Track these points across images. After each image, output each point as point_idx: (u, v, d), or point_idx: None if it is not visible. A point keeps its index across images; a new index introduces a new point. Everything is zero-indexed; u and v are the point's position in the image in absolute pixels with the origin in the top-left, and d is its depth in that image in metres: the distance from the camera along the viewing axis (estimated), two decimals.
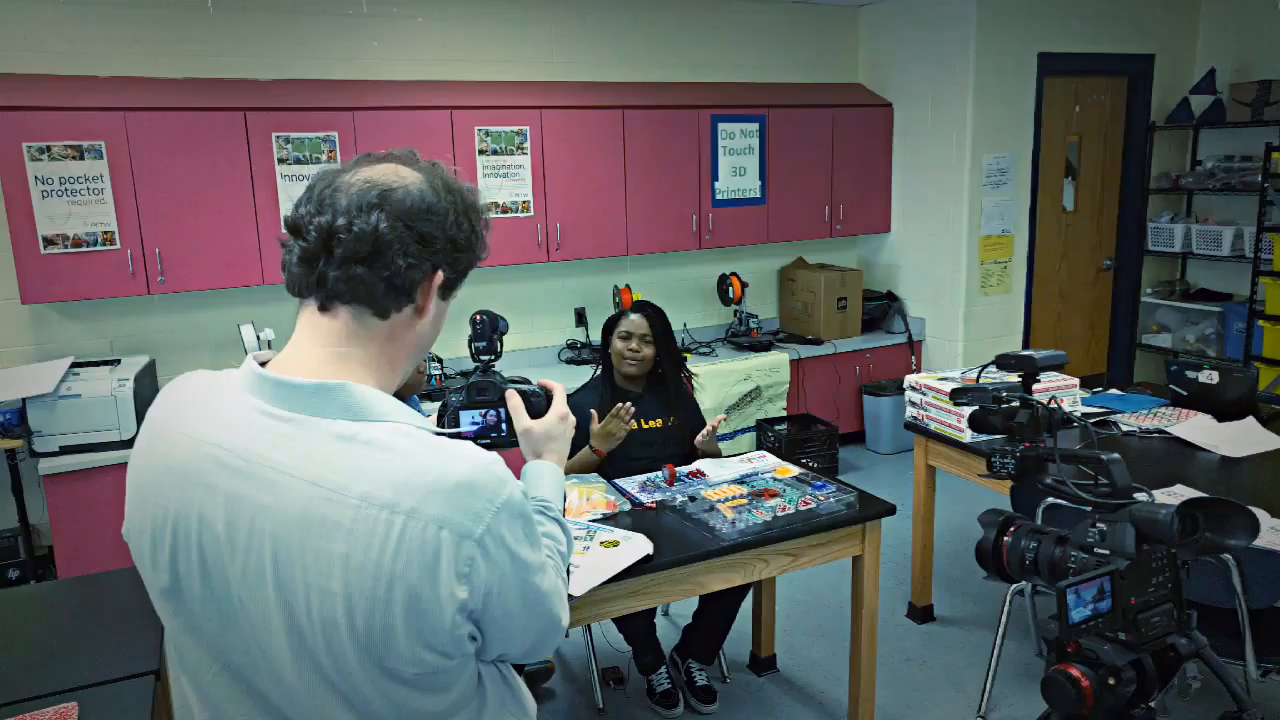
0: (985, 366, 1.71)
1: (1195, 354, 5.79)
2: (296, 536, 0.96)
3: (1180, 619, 1.28)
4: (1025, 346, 5.83)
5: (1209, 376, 3.46)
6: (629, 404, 3.03)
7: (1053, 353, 1.65)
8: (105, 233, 3.97)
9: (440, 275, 1.07)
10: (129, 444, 3.77)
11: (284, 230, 1.06)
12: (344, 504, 0.95)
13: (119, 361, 4.08)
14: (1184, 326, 6.09)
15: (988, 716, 3.09)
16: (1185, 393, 3.55)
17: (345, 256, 1.01)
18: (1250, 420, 3.29)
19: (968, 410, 1.50)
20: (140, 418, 3.85)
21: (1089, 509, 1.38)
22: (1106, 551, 1.27)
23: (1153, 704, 1.32)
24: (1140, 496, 1.32)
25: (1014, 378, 1.73)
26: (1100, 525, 1.28)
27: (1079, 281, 6.16)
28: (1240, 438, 3.16)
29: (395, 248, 1.01)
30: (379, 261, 1.01)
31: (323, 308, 1.04)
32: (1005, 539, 1.41)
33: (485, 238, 1.12)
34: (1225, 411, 3.39)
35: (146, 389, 4.03)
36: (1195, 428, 3.27)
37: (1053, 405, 1.44)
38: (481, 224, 1.11)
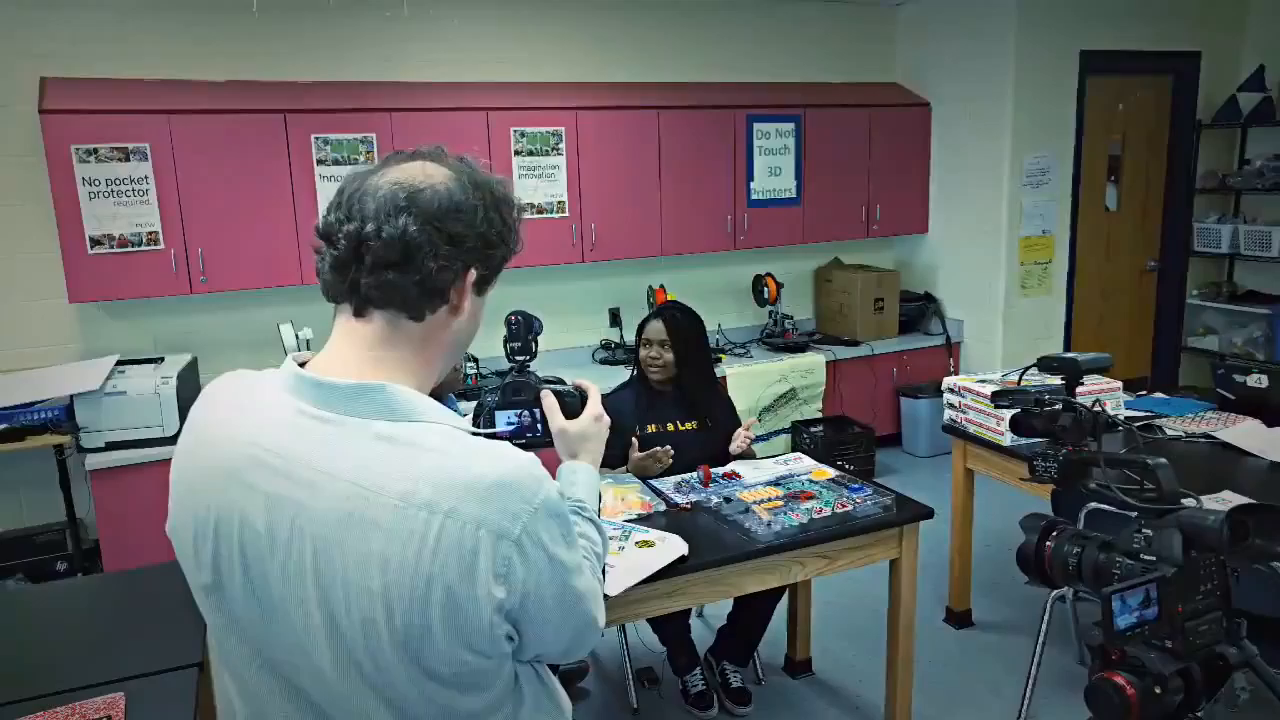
0: (1027, 369, 1.69)
1: (1243, 357, 5.66)
2: (336, 536, 0.97)
3: (1229, 628, 1.25)
4: (1066, 349, 5.74)
5: (1258, 380, 3.38)
6: (669, 449, 3.05)
7: (1097, 355, 1.62)
8: (150, 233, 4.05)
9: (473, 273, 1.07)
10: (172, 440, 3.84)
11: (316, 238, 1.06)
12: (383, 504, 0.96)
13: (163, 359, 4.16)
14: (1231, 329, 5.96)
15: None
16: (1233, 397, 3.47)
17: (376, 263, 1.01)
18: None
19: (1009, 413, 1.48)
20: (183, 415, 3.89)
21: (1134, 514, 1.35)
22: (1153, 558, 1.24)
23: (1200, 714, 1.29)
24: (1188, 502, 1.29)
25: (1056, 380, 1.70)
26: (1146, 531, 1.25)
27: (1122, 283, 6.05)
28: None
29: (425, 250, 1.01)
30: (409, 266, 1.01)
31: (358, 313, 1.05)
32: (1048, 544, 1.38)
33: (518, 230, 1.12)
34: (1275, 416, 3.30)
35: (189, 387, 4.10)
36: (1243, 433, 3.20)
37: (1097, 409, 1.41)
38: (513, 216, 1.11)
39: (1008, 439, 3.24)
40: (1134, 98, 5.79)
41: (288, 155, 4.24)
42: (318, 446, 1.00)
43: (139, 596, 2.34)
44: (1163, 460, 1.28)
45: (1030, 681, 3.08)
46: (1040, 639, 3.08)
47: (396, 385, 1.03)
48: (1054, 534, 1.38)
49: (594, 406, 1.40)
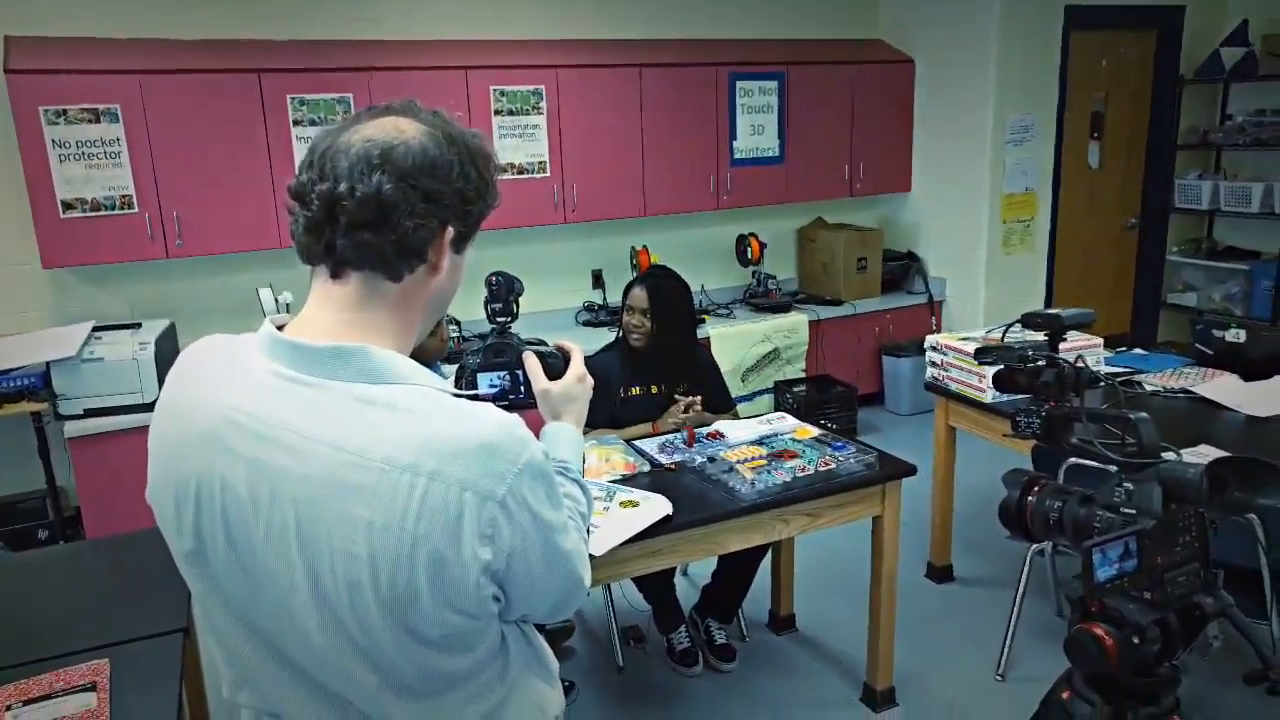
0: (1010, 325, 1.69)
1: (1221, 313, 5.71)
2: (319, 500, 0.96)
3: (1206, 578, 1.26)
4: (1048, 306, 5.76)
5: (1236, 335, 3.41)
6: (695, 399, 3.15)
7: (1079, 310, 1.62)
8: (123, 196, 3.97)
9: (451, 231, 1.05)
10: (151, 407, 3.78)
11: (289, 199, 1.04)
12: (366, 467, 0.95)
13: (140, 325, 4.11)
14: (1210, 285, 5.99)
15: (1006, 675, 3.10)
16: (1211, 352, 3.50)
17: (350, 223, 0.99)
18: (1278, 379, 3.24)
19: (992, 370, 1.48)
20: (162, 380, 3.85)
21: (1114, 470, 1.36)
22: (1133, 511, 1.26)
23: (1176, 663, 1.32)
24: (1168, 456, 1.30)
25: (1039, 337, 1.71)
26: (1127, 484, 1.26)
27: (1103, 240, 6.07)
28: (1268, 397, 3.12)
29: (401, 209, 0.99)
30: (385, 225, 0.99)
31: (334, 275, 1.03)
32: (1029, 499, 1.40)
33: (495, 185, 1.10)
34: (1252, 371, 3.34)
35: (167, 352, 4.06)
36: (1221, 387, 3.23)
37: (1079, 364, 1.42)
38: (490, 171, 1.08)
39: (989, 396, 3.26)
40: (1118, 53, 5.76)
41: (263, 116, 4.16)
42: (298, 411, 0.98)
43: (122, 563, 2.33)
44: (1144, 414, 1.28)
45: (1010, 634, 3.13)
46: (1019, 592, 3.13)
47: (376, 347, 1.01)
48: (1035, 489, 1.39)
49: (577, 367, 1.39)
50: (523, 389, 1.40)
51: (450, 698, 1.07)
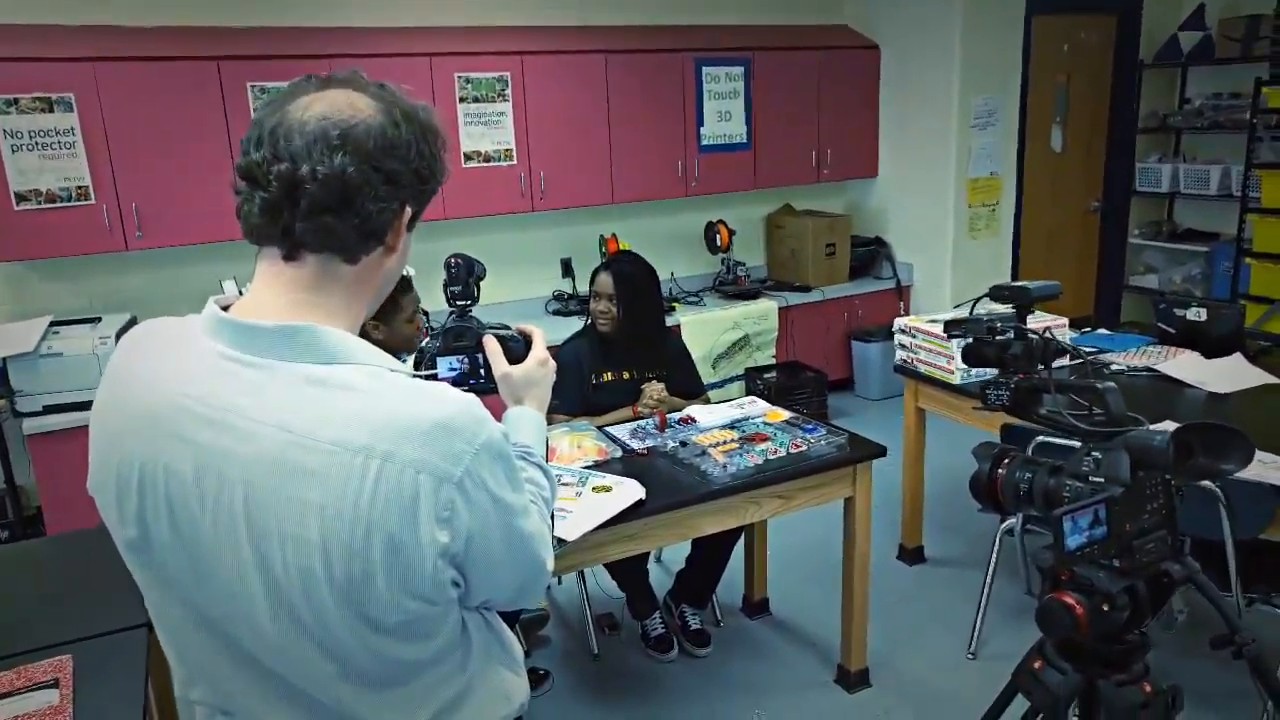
0: (979, 299, 1.70)
1: (1182, 294, 5.80)
2: (269, 485, 0.93)
3: (1174, 545, 1.28)
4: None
5: (1197, 314, 3.47)
6: (658, 385, 3.17)
7: (1046, 283, 1.63)
8: (79, 188, 3.89)
9: (409, 211, 1.03)
10: None
11: (237, 177, 0.98)
12: (316, 449, 0.92)
13: (99, 319, 4.02)
14: (1171, 267, 6.09)
15: (978, 654, 3.13)
16: (1173, 331, 3.55)
17: (312, 207, 0.95)
18: (1237, 357, 3.30)
19: (961, 343, 1.48)
20: None
21: (1081, 444, 1.38)
22: (1102, 479, 1.27)
23: (1145, 630, 1.33)
24: (1135, 425, 1.31)
25: (1006, 310, 1.72)
26: (1095, 454, 1.27)
27: (1067, 224, 6.14)
28: (1228, 374, 3.17)
29: (365, 192, 0.96)
30: (349, 208, 0.96)
31: (288, 257, 0.99)
32: (1000, 471, 1.40)
33: (445, 161, 1.07)
34: (1213, 349, 3.39)
35: None
36: (1183, 365, 3.28)
37: (1047, 335, 1.43)
38: (439, 146, 1.05)
39: (958, 378, 3.29)
40: (1079, 38, 5.82)
41: (223, 104, 4.08)
42: (245, 392, 0.95)
43: (84, 558, 2.27)
44: (1111, 384, 1.30)
45: (980, 613, 3.17)
46: (990, 571, 3.17)
47: (325, 327, 0.98)
48: (1005, 461, 1.40)
49: (539, 351, 1.37)
50: (483, 373, 1.38)
51: (410, 687, 1.04)
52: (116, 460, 1.00)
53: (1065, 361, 1.41)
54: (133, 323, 4.10)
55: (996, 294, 1.66)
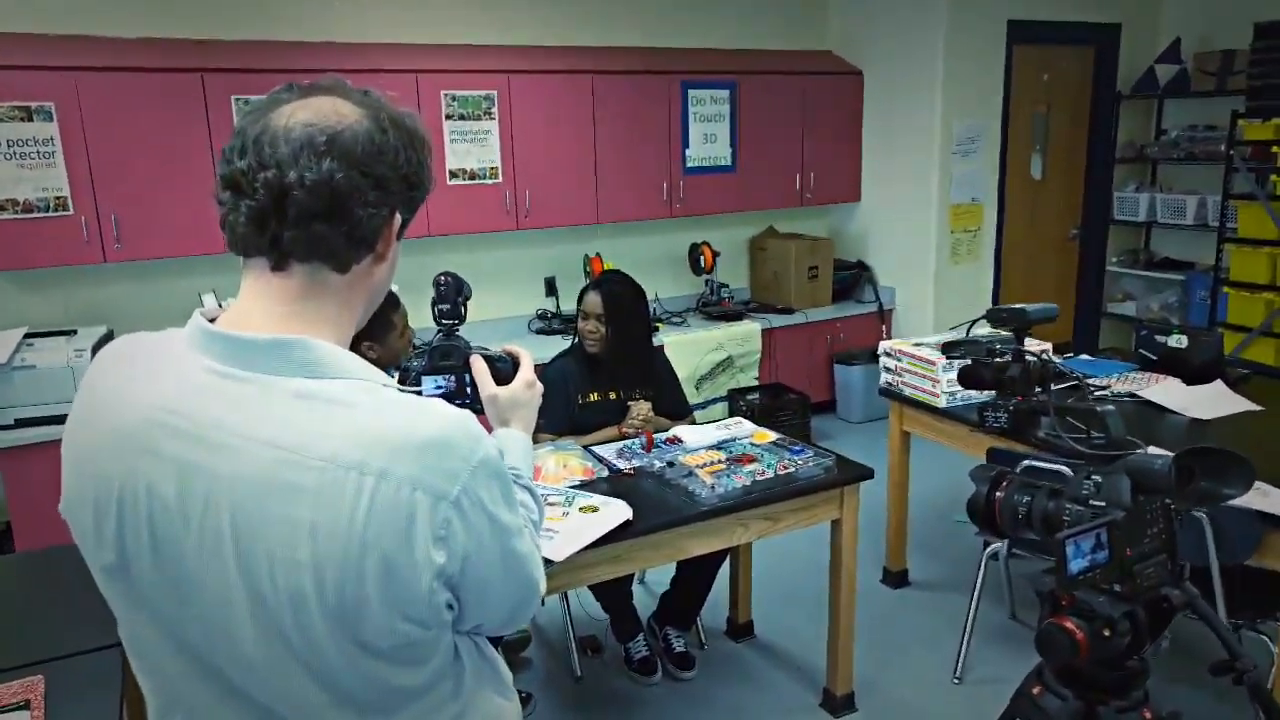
0: (975, 321, 1.70)
1: (1160, 321, 5.86)
2: (257, 504, 0.89)
3: (1174, 570, 1.27)
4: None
5: (1178, 341, 3.49)
6: (644, 403, 3.16)
7: (1044, 306, 1.63)
8: (57, 198, 3.83)
9: (398, 218, 1.00)
10: None
11: (220, 187, 0.95)
12: (307, 466, 0.89)
13: (75, 332, 3.95)
14: (1148, 295, 6.16)
15: (964, 678, 3.12)
16: (1155, 357, 3.58)
17: (301, 214, 0.92)
18: (1219, 383, 3.32)
19: (958, 364, 1.48)
20: None
21: (1070, 470, 1.37)
22: (1102, 503, 1.26)
23: (1145, 655, 1.32)
24: (1133, 448, 1.31)
25: (998, 334, 1.72)
26: (1095, 477, 1.27)
27: (1046, 250, 6.20)
28: (1210, 400, 3.19)
29: (354, 199, 0.94)
30: (338, 215, 0.94)
31: (276, 267, 0.96)
32: (998, 494, 1.40)
33: (431, 167, 1.05)
34: (1194, 375, 3.42)
35: None
36: (1166, 391, 3.30)
37: (1045, 358, 1.42)
38: (427, 153, 1.03)
39: (944, 401, 3.28)
40: (1058, 68, 5.91)
41: (206, 117, 4.05)
42: (232, 407, 0.92)
43: (56, 576, 2.22)
44: (1111, 407, 1.29)
45: (966, 637, 3.15)
46: (975, 596, 3.16)
47: (316, 340, 0.95)
48: (1003, 484, 1.39)
49: (526, 372, 1.35)
50: (469, 392, 1.36)
51: (402, 715, 1.00)
52: (93, 482, 0.95)
53: (1053, 386, 1.41)
54: (109, 335, 4.03)
55: (994, 317, 1.67)
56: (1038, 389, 1.37)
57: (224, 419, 0.91)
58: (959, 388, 3.25)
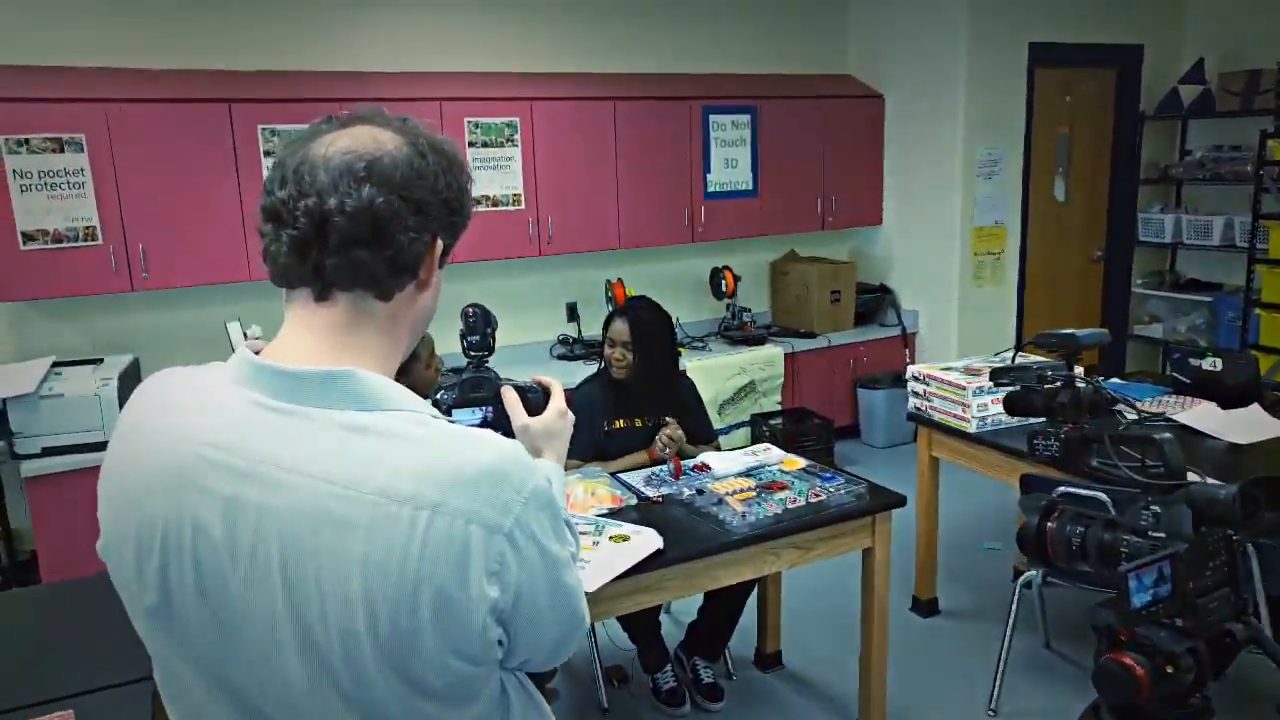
0: (1020, 346, 1.66)
1: (1188, 344, 5.78)
2: (308, 539, 0.88)
3: (1237, 604, 1.23)
4: (1018, 338, 5.81)
5: (1212, 364, 3.44)
6: (674, 424, 3.10)
7: (1094, 331, 1.60)
8: (87, 228, 3.86)
9: (440, 244, 1.00)
10: None
11: (262, 219, 0.96)
12: (360, 500, 0.87)
13: (101, 360, 3.98)
14: (1175, 317, 6.09)
15: (999, 710, 3.05)
16: (1188, 380, 3.52)
17: (343, 241, 0.92)
18: (1255, 407, 3.26)
19: (1005, 390, 1.44)
20: None
21: (1104, 496, 1.34)
22: (1162, 534, 1.22)
23: (1208, 693, 1.27)
24: (1192, 477, 1.27)
25: (1032, 358, 1.68)
26: (1154, 507, 1.23)
27: (1070, 273, 6.15)
28: (1247, 424, 3.13)
29: (395, 224, 0.93)
30: (380, 241, 0.93)
31: (320, 297, 0.96)
32: (1049, 524, 1.36)
33: (471, 192, 1.05)
34: (1229, 399, 3.35)
35: (130, 388, 3.91)
36: (1201, 415, 3.24)
37: (1097, 384, 1.39)
38: (465, 179, 1.03)
39: (974, 426, 3.24)
40: (1081, 90, 5.88)
41: (233, 146, 4.08)
42: (282, 442, 0.90)
43: (85, 608, 2.20)
44: (1168, 435, 1.25)
45: (1000, 667, 3.09)
46: (1009, 625, 3.09)
47: (365, 371, 0.94)
48: (1055, 514, 1.35)
49: (558, 402, 1.33)
50: (502, 424, 1.34)
51: None
52: (135, 521, 0.93)
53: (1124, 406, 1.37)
54: (135, 364, 4.05)
55: (1043, 341, 1.63)
56: (1087, 415, 1.34)
57: (274, 453, 0.90)
58: (989, 412, 3.24)
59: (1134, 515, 1.25)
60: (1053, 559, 1.36)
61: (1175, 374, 3.58)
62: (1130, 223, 6.10)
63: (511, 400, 1.31)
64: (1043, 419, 1.39)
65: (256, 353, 0.97)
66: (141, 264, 3.96)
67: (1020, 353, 1.54)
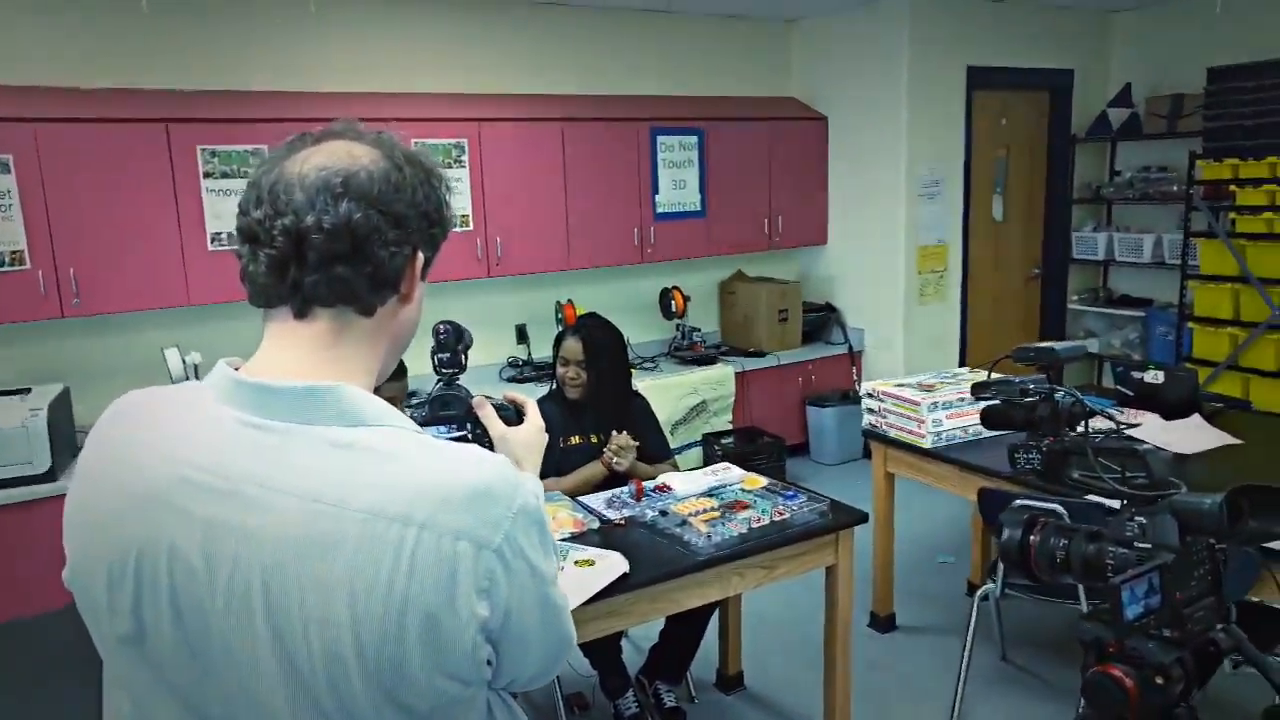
0: (998, 360, 1.67)
1: (1122, 358, 5.96)
2: (292, 561, 0.85)
3: (1221, 612, 1.24)
4: (961, 355, 5.92)
5: (1154, 377, 3.53)
6: (625, 434, 3.06)
7: (1073, 344, 1.62)
8: (14, 252, 3.70)
9: (421, 257, 0.98)
10: (44, 478, 3.50)
11: (239, 240, 0.94)
12: (347, 519, 0.85)
13: (30, 390, 3.80)
14: (1109, 331, 6.27)
15: None
16: (1131, 393, 3.61)
17: (321, 258, 0.91)
18: (1197, 418, 3.35)
19: (984, 404, 1.45)
20: (55, 450, 3.58)
21: (1060, 508, 1.35)
22: (1147, 545, 1.23)
23: (1194, 703, 1.28)
24: (1174, 489, 1.28)
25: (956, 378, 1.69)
26: (1139, 519, 1.23)
27: (1010, 290, 6.30)
28: (1191, 435, 3.21)
29: (374, 239, 0.92)
30: (359, 256, 0.92)
31: (299, 314, 0.94)
32: (1032, 538, 1.35)
33: (450, 204, 1.03)
34: (1170, 411, 3.44)
35: (61, 419, 3.76)
36: (1147, 428, 3.31)
37: (1076, 397, 1.40)
38: (444, 190, 1.02)
39: (929, 441, 3.27)
40: (1016, 113, 6.05)
41: (171, 167, 3.95)
42: (265, 460, 0.87)
43: (13, 652, 2.08)
44: (1150, 446, 1.26)
45: (961, 681, 3.10)
46: (968, 640, 3.11)
47: (349, 386, 0.92)
48: (1038, 527, 1.35)
49: (535, 418, 1.32)
50: (473, 442, 1.31)
51: None
52: (107, 544, 0.90)
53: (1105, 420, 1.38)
54: (66, 394, 3.88)
55: (1022, 356, 1.64)
56: (1066, 429, 1.35)
57: (257, 472, 0.87)
58: (944, 427, 3.27)
59: (1118, 526, 1.25)
60: (1036, 572, 1.36)
61: (1119, 387, 3.67)
62: (1065, 241, 6.28)
63: (488, 413, 1.29)
64: (1008, 431, 1.40)
65: (236, 369, 0.95)
66: (73, 289, 3.80)
67: (952, 372, 1.55)
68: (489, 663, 0.94)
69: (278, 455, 0.88)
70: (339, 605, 0.84)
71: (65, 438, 3.84)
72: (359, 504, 0.85)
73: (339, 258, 0.91)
